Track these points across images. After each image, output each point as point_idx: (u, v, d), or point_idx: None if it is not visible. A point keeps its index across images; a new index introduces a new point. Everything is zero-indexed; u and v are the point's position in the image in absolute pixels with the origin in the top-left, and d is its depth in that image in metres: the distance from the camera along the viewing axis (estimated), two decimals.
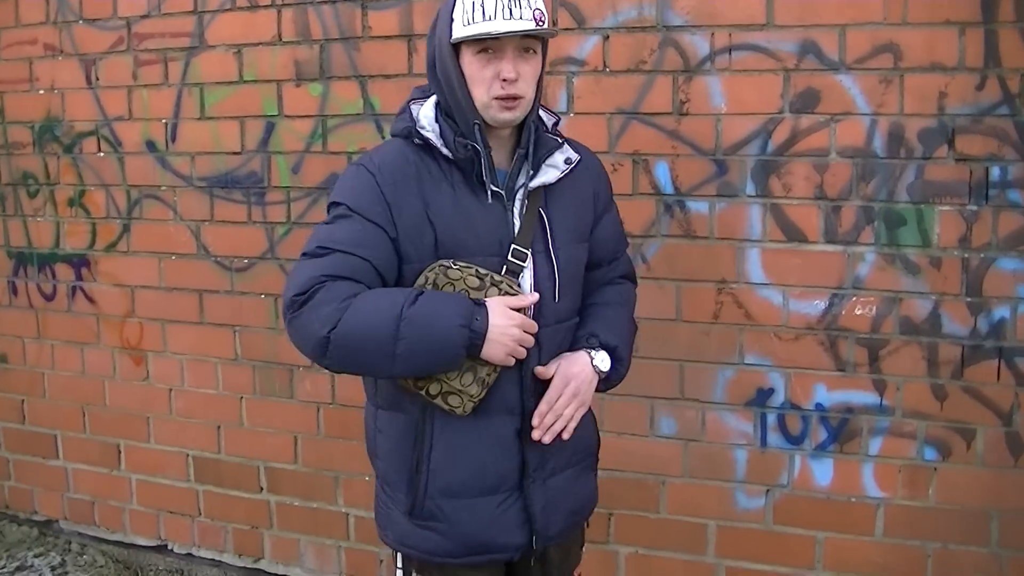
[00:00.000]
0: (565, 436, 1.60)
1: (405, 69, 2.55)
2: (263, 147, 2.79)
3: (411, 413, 1.63)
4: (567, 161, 1.65)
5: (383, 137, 2.59)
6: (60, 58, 3.09)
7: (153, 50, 2.91)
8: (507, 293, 1.55)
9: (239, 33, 2.77)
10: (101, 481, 3.30)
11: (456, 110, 1.59)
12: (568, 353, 1.65)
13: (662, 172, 2.33)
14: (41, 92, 3.15)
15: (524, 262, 1.60)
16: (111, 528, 3.33)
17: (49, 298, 3.27)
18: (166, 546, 3.22)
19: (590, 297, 1.76)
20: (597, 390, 1.66)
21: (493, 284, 1.56)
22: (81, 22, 3.02)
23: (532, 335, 1.57)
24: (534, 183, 1.62)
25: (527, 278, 1.61)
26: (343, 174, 1.67)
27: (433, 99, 1.64)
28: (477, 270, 1.56)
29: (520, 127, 1.63)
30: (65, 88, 3.10)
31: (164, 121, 2.93)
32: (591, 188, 1.74)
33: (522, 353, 1.55)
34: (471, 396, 1.55)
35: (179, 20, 2.85)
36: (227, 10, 2.77)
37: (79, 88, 3.07)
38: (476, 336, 1.48)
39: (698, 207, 2.31)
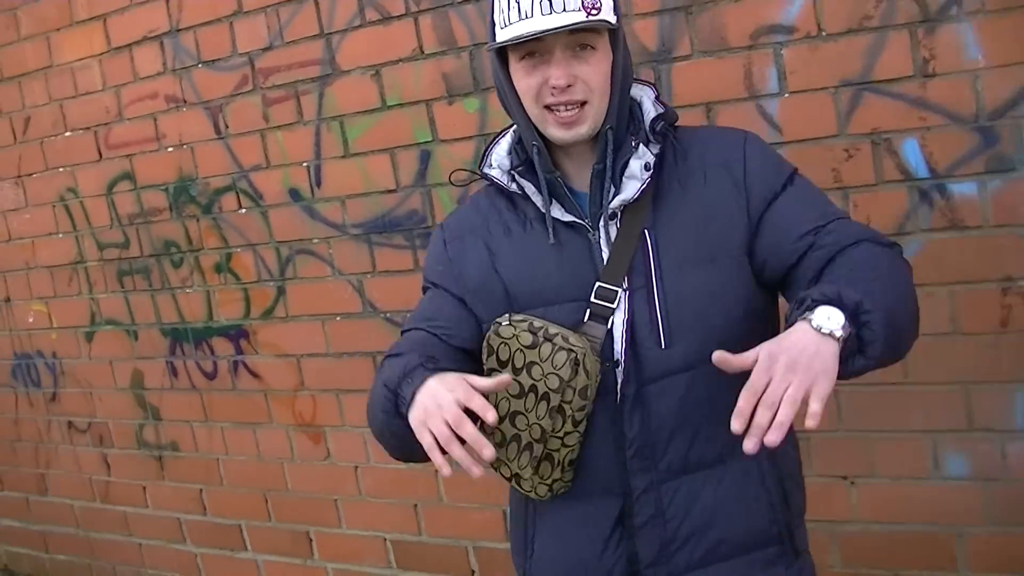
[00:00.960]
0: (775, 440, 1.28)
1: None
2: (420, 180, 2.99)
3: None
4: (646, 167, 1.61)
5: None
6: (184, 109, 3.43)
7: (281, 85, 3.17)
8: (561, 348, 1.54)
9: (374, 51, 2.97)
10: (295, 572, 3.68)
11: (521, 132, 1.66)
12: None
13: (911, 151, 2.30)
14: (170, 149, 3.52)
15: (613, 303, 1.58)
16: None
17: (211, 376, 3.66)
18: None
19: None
20: (842, 373, 1.33)
21: (547, 339, 1.57)
22: (200, 66, 3.35)
23: (629, 394, 1.58)
24: (614, 203, 1.60)
25: (618, 323, 1.60)
26: (431, 241, 1.85)
27: (514, 128, 1.72)
28: (531, 323, 1.59)
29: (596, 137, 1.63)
30: (194, 142, 3.44)
31: (305, 164, 3.20)
32: (726, 181, 1.63)
33: (440, 429, 1.38)
34: (535, 480, 1.62)
35: (305, 47, 3.10)
36: (357, 27, 2.98)
37: (209, 139, 3.40)
38: (400, 398, 1.48)
39: (964, 190, 2.26)
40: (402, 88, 2.97)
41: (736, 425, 1.30)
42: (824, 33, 2.34)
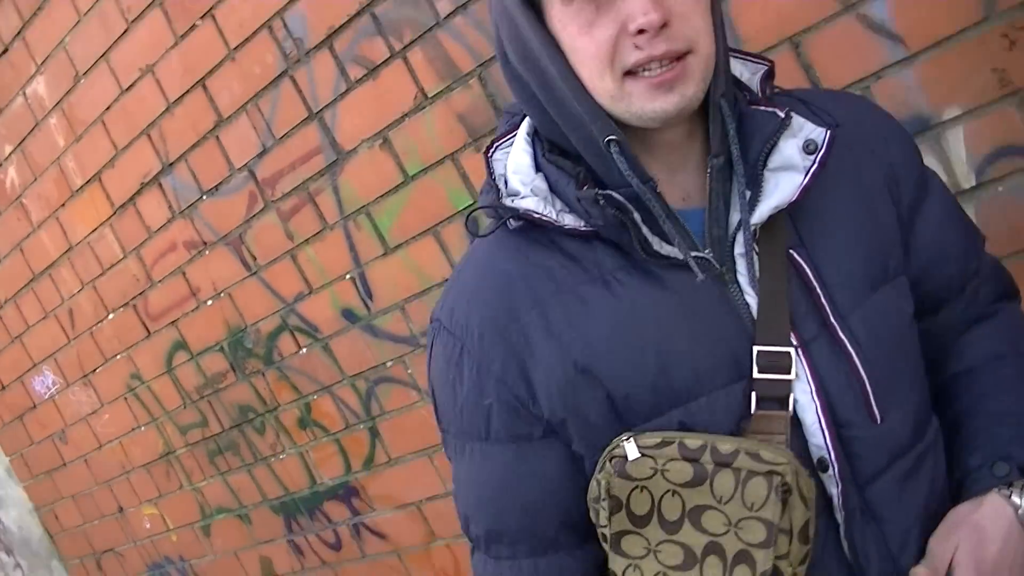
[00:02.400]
0: None
1: None
2: None
3: None
4: (807, 148, 1.11)
5: None
6: (207, 251, 3.11)
7: (292, 192, 2.78)
8: (754, 473, 1.05)
9: (373, 114, 2.51)
10: None
11: (565, 125, 1.12)
12: (956, 509, 1.16)
13: None
14: (209, 303, 3.20)
15: (788, 372, 1.09)
16: None
17: (336, 547, 3.31)
18: None
19: (950, 364, 1.27)
20: None
21: (721, 464, 1.07)
22: (205, 197, 3.01)
23: (854, 507, 1.13)
24: (759, 214, 1.11)
25: (806, 402, 1.11)
26: (428, 355, 1.24)
27: (524, 128, 1.20)
28: (682, 443, 1.08)
29: (701, 113, 1.13)
30: (228, 286, 3.11)
31: (348, 276, 2.79)
32: (879, 169, 1.21)
33: None
34: None
35: (300, 136, 2.68)
36: (345, 93, 2.54)
37: (242, 279, 3.06)
38: None
39: None
40: (418, 149, 2.50)
41: None
42: None
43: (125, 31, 2.97)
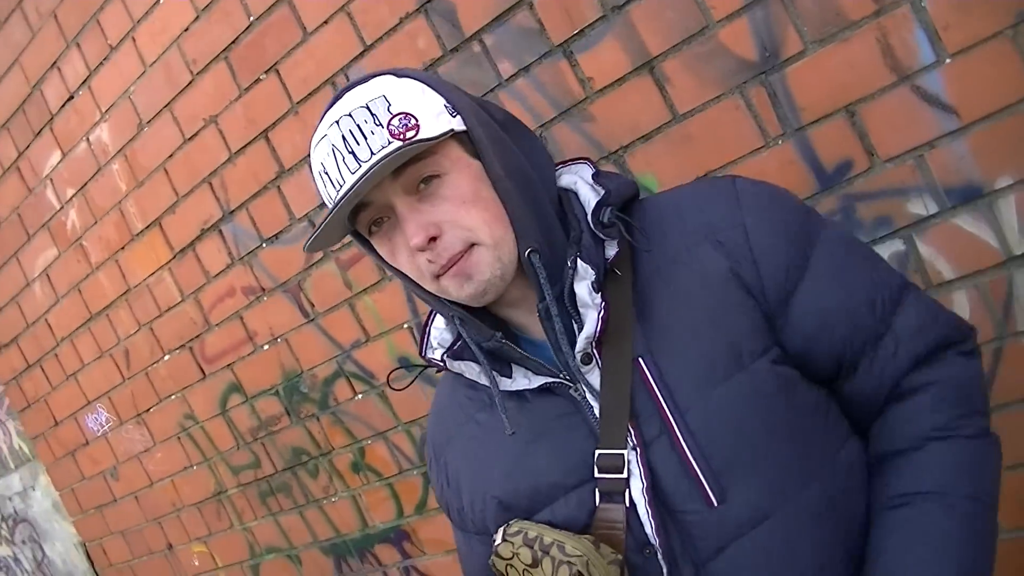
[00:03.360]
0: None
1: (667, 116, 2.23)
2: None
3: None
4: (594, 287, 1.29)
5: None
6: (265, 298, 3.21)
7: (350, 243, 2.90)
8: (562, 562, 1.27)
9: None
10: None
11: (436, 309, 1.40)
12: None
13: None
14: (266, 347, 3.30)
15: (621, 472, 1.28)
16: None
17: None
18: None
19: (880, 448, 1.35)
20: None
21: (544, 552, 1.29)
22: (265, 245, 3.12)
23: None
24: (579, 345, 1.30)
25: (638, 496, 1.29)
26: None
27: None
28: (526, 535, 1.33)
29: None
30: (286, 332, 3.21)
31: (405, 326, 2.89)
32: (726, 259, 1.32)
33: None
34: None
35: None
36: None
37: (299, 325, 3.16)
38: None
39: None
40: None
41: None
42: None
43: (190, 82, 3.10)
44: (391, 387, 1.68)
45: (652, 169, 2.26)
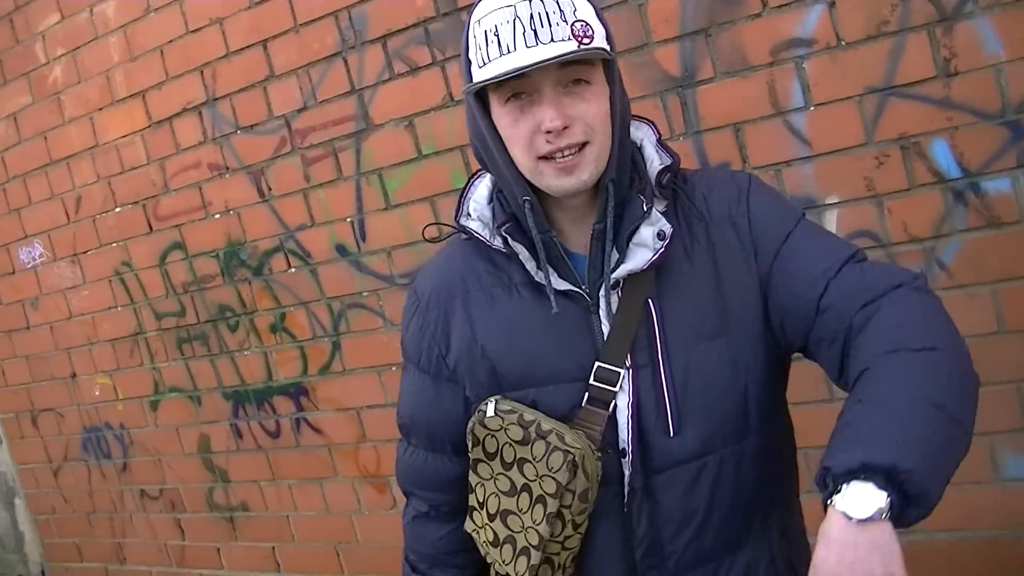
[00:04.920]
0: None
1: None
2: None
3: None
4: (660, 236, 1.43)
5: None
6: (228, 175, 3.59)
7: (319, 144, 3.31)
8: (557, 448, 1.43)
9: (406, 103, 3.09)
10: None
11: (504, 186, 1.48)
12: None
13: (941, 152, 2.33)
14: (217, 216, 3.67)
15: (615, 385, 1.44)
16: None
17: (275, 435, 3.78)
18: None
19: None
20: (903, 526, 1.15)
21: (540, 436, 1.44)
22: (239, 132, 3.50)
23: (637, 487, 1.47)
24: (618, 272, 1.43)
25: (622, 408, 1.46)
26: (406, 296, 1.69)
27: None
28: (521, 416, 1.46)
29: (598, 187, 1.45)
30: (239, 207, 3.59)
31: (348, 220, 3.32)
32: (732, 240, 1.48)
33: None
34: None
35: (338, 104, 3.23)
36: (387, 81, 3.10)
37: (253, 203, 3.54)
38: None
39: (998, 186, 2.29)
40: (436, 137, 3.08)
41: None
42: (843, 42, 2.40)
43: None
44: (424, 238, 1.61)
45: None
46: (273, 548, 4.00)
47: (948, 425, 1.21)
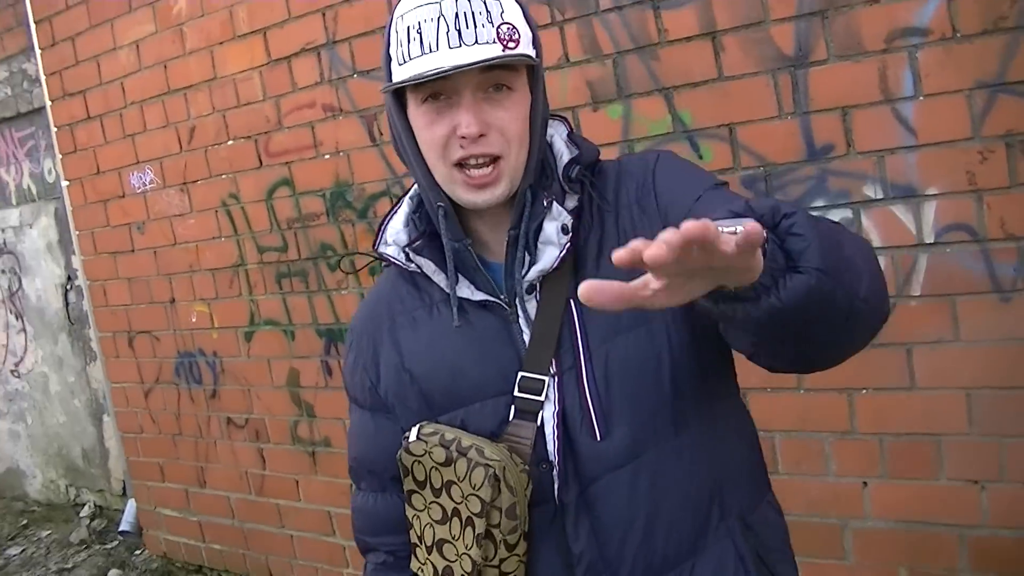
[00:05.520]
0: None
1: (714, 73, 2.92)
2: None
3: None
4: (563, 229, 1.43)
5: (700, 157, 2.98)
6: (341, 117, 3.82)
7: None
8: (478, 464, 1.40)
9: None
10: None
11: (421, 191, 1.47)
12: None
13: None
14: (327, 157, 3.92)
15: (540, 394, 1.42)
16: None
17: None
18: None
19: None
20: (785, 304, 1.07)
21: (460, 453, 1.42)
22: (356, 76, 3.73)
23: (570, 501, 1.44)
24: (530, 274, 1.43)
25: (548, 417, 1.43)
26: None
27: (412, 190, 1.54)
28: (442, 436, 1.44)
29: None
30: (350, 149, 3.83)
31: None
32: (642, 222, 1.45)
33: None
34: None
35: None
36: None
37: (364, 147, 3.78)
38: None
39: None
40: (550, 94, 3.23)
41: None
42: (959, 34, 2.51)
43: None
44: (342, 270, 1.57)
45: (689, 109, 2.98)
46: (351, 486, 4.24)
47: (860, 249, 1.22)
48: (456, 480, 1.42)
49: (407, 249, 1.48)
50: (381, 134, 3.72)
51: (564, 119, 1.55)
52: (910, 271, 2.66)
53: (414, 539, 1.53)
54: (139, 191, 4.85)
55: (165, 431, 5.17)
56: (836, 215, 2.75)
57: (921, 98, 2.59)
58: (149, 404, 5.22)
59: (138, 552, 5.70)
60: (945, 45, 2.53)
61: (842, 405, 2.82)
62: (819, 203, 2.77)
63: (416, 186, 1.50)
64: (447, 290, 1.46)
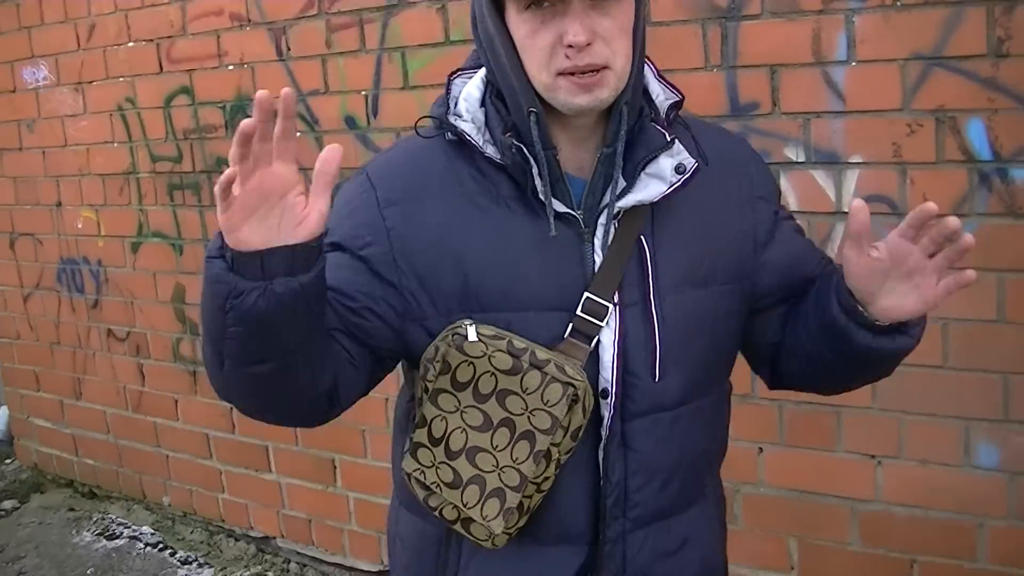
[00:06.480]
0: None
1: None
2: None
3: (438, 526, 1.44)
4: (678, 169, 1.35)
5: None
6: (248, 28, 3.47)
7: (347, 12, 3.20)
8: (555, 380, 1.30)
9: None
10: (317, 498, 3.77)
11: (507, 92, 1.34)
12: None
13: (976, 132, 2.27)
14: (230, 68, 3.56)
15: (602, 320, 1.34)
16: (330, 549, 3.81)
17: None
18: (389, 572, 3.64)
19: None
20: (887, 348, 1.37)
21: (534, 366, 1.31)
22: None
23: (616, 431, 1.39)
24: (625, 201, 1.35)
25: (607, 345, 1.36)
26: (346, 186, 1.47)
27: (483, 71, 1.40)
28: (511, 342, 1.32)
29: (609, 111, 1.35)
30: (255, 61, 3.48)
31: (363, 93, 3.23)
32: (740, 194, 1.46)
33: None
34: (499, 527, 1.35)
35: None
36: None
37: (270, 61, 3.44)
38: (214, 247, 1.19)
39: None
40: (466, 25, 2.95)
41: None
42: (899, 3, 2.31)
43: None
44: (417, 132, 1.44)
45: None
46: (231, 409, 3.94)
47: None
48: (519, 392, 1.32)
49: (509, 138, 1.32)
50: (289, 48, 3.40)
51: (648, 58, 1.42)
52: (826, 238, 2.49)
53: (423, 439, 1.38)
54: (31, 87, 4.43)
55: (43, 339, 4.80)
56: None
57: (854, 64, 2.39)
58: (28, 309, 4.83)
59: (8, 461, 5.34)
60: (884, 12, 2.34)
61: (743, 368, 2.59)
62: None
63: (484, 69, 1.39)
64: (542, 197, 1.33)
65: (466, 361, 1.33)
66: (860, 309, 1.33)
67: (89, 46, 4.09)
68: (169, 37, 3.75)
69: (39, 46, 4.34)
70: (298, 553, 3.94)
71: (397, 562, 1.60)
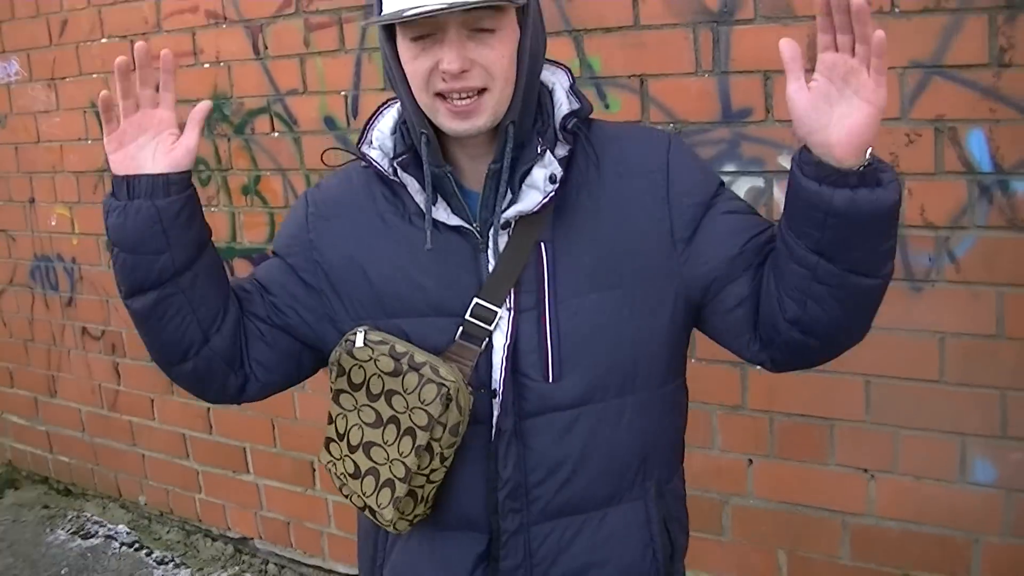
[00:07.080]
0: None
1: (630, 20, 2.51)
2: None
3: None
4: (551, 179, 1.39)
5: (607, 107, 2.58)
6: (224, 26, 3.30)
7: (325, 11, 3.04)
8: (431, 381, 1.37)
9: None
10: (295, 500, 3.62)
11: (407, 117, 1.41)
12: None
13: (976, 143, 2.16)
14: (206, 66, 3.39)
15: (491, 324, 1.40)
16: (309, 552, 3.66)
17: None
18: None
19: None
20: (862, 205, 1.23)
21: (412, 368, 1.38)
22: None
23: (506, 428, 1.42)
24: (509, 212, 1.40)
25: (498, 348, 1.42)
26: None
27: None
28: (393, 347, 1.40)
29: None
30: (231, 60, 3.31)
31: (343, 93, 3.07)
32: (651, 196, 1.43)
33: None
34: (395, 515, 1.43)
35: None
36: None
37: (246, 59, 3.27)
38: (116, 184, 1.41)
39: None
40: None
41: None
42: (897, 10, 2.19)
43: None
44: (324, 163, 1.57)
45: (600, 55, 2.57)
46: (208, 409, 3.80)
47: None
48: (402, 391, 1.39)
49: (395, 162, 1.42)
50: (266, 47, 3.23)
51: (567, 69, 1.49)
52: None
53: (332, 434, 1.50)
54: (2, 82, 4.23)
55: (17, 335, 4.61)
56: (747, 183, 2.44)
57: None
58: (1, 306, 4.64)
59: None
60: (882, 19, 2.19)
61: (734, 379, 2.55)
62: (730, 168, 2.44)
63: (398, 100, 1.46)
64: (424, 210, 1.41)
65: (357, 364, 1.42)
66: (824, 161, 1.23)
67: (62, 42, 3.90)
68: (143, 34, 3.54)
69: (10, 41, 4.14)
70: (276, 555, 3.80)
71: (358, 539, 1.70)
